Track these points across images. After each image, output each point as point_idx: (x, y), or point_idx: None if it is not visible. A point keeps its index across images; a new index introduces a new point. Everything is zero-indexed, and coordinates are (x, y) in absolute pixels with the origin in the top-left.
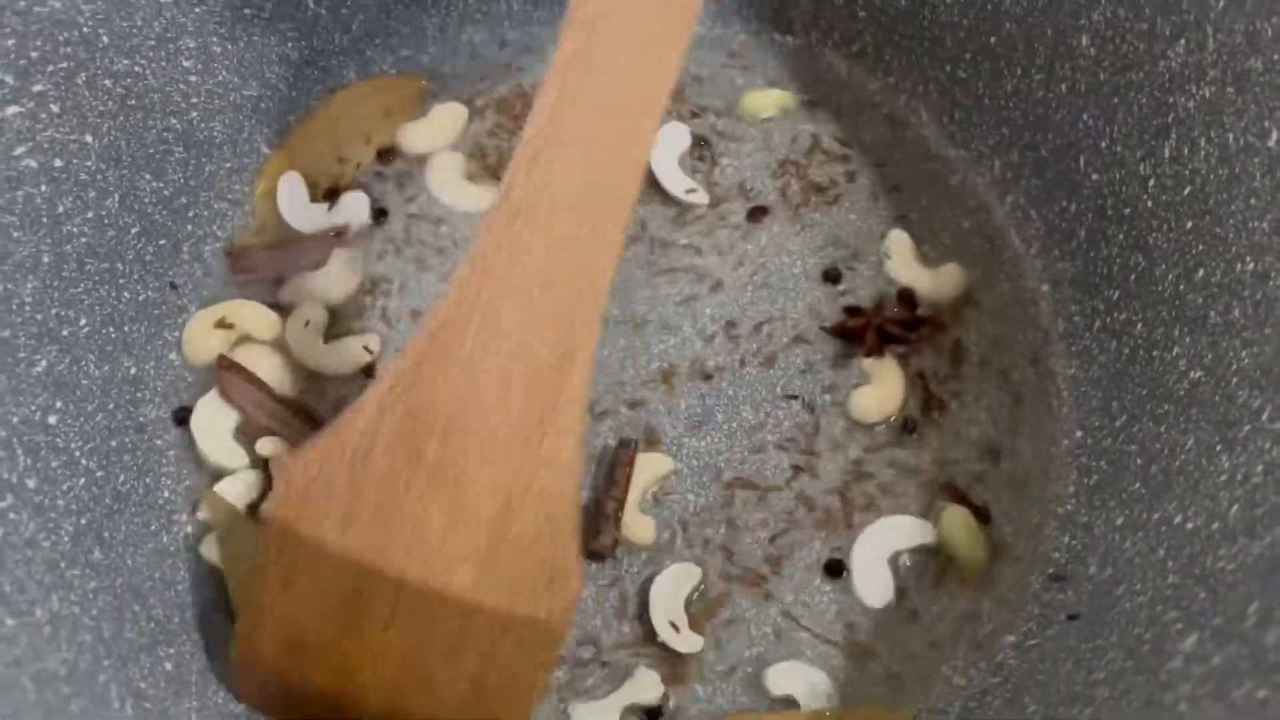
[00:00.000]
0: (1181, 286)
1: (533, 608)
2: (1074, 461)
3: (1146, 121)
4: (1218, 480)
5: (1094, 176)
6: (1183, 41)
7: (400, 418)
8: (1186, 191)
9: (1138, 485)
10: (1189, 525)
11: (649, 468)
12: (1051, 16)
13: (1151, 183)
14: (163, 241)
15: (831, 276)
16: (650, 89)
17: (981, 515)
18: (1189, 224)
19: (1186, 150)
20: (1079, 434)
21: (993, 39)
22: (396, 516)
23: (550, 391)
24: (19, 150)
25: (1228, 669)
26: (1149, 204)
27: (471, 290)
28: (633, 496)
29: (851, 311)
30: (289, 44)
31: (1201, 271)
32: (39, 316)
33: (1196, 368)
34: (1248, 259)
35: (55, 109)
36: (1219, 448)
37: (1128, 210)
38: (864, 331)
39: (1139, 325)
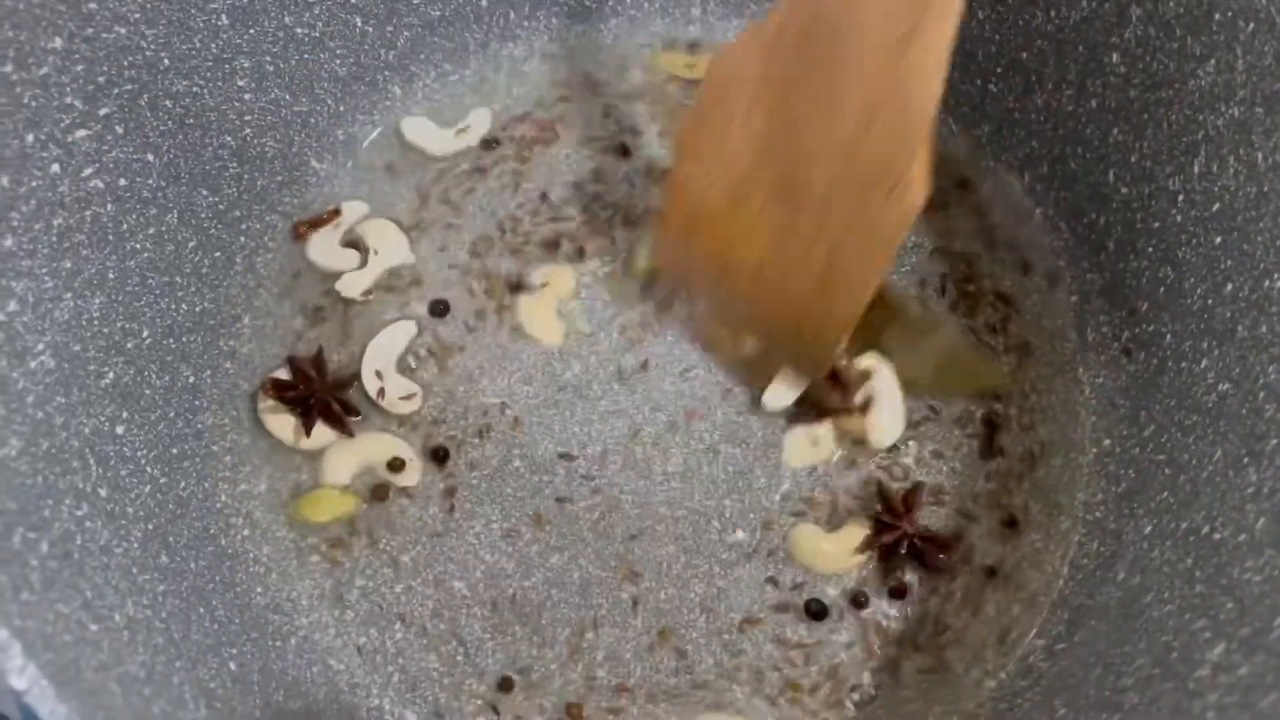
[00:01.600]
0: (1210, 300)
1: (878, 211)
2: (1102, 469)
3: (1176, 138)
4: (1245, 493)
5: (1123, 190)
6: (1212, 62)
7: (804, 21)
8: (1215, 208)
9: (1166, 495)
10: (1216, 536)
11: None
12: (1083, 34)
13: (1181, 198)
14: (218, 254)
15: None
16: None
17: None
18: (1218, 239)
19: (1215, 167)
20: (1107, 442)
21: (1024, 54)
22: (783, 114)
23: (917, 8)
24: (87, 171)
25: (1255, 680)
26: (1178, 218)
27: None
28: None
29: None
30: (337, 61)
31: (1230, 286)
32: (106, 330)
33: (1224, 381)
34: (1275, 275)
35: (120, 130)
36: (1246, 460)
37: (1157, 224)
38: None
39: (1167, 337)
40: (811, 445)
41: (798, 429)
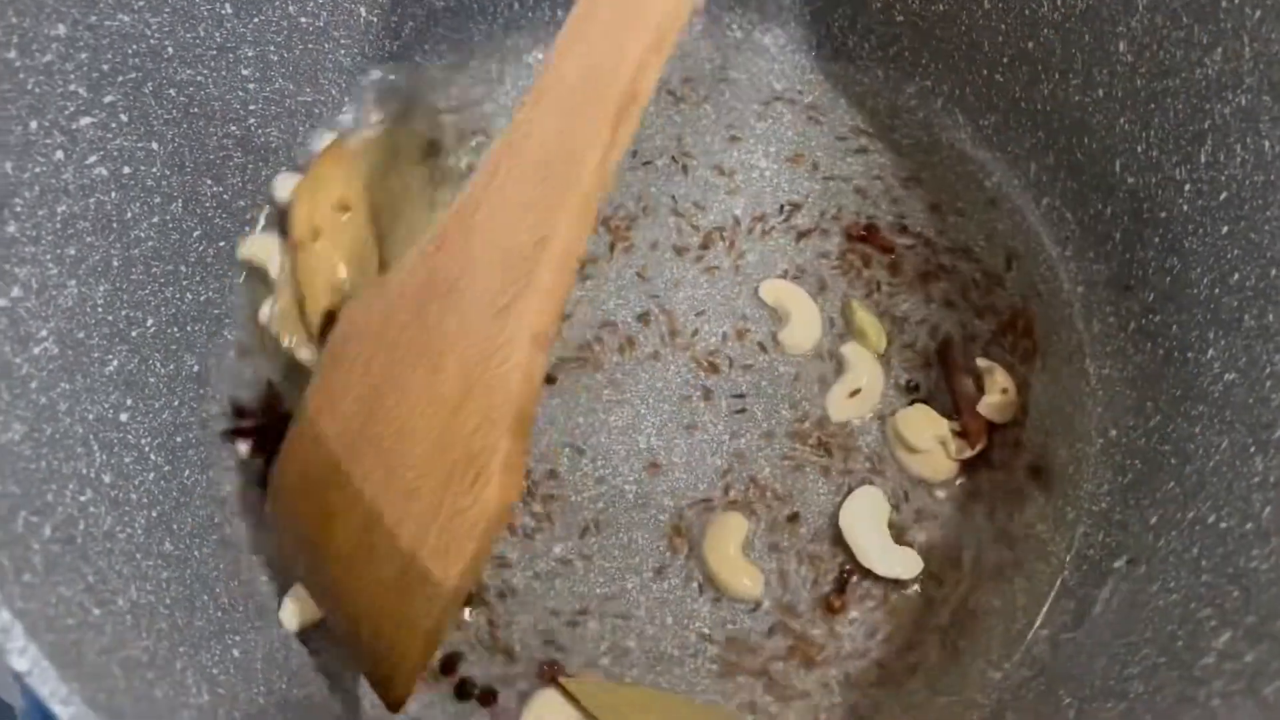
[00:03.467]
0: (1216, 290)
1: (458, 502)
2: (1108, 460)
3: (1183, 127)
4: (1251, 482)
5: (1130, 180)
6: (1220, 50)
7: (421, 278)
8: (1223, 197)
9: (1171, 485)
10: (1222, 525)
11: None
12: (1089, 22)
13: (1187, 187)
14: (222, 243)
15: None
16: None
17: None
18: (1225, 229)
19: (1223, 156)
20: (1113, 433)
21: (1030, 44)
22: (393, 377)
23: (522, 276)
24: (91, 159)
25: (1260, 667)
26: (1185, 208)
27: (493, 164)
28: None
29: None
30: (342, 51)
31: (1237, 276)
32: (110, 318)
33: (1231, 370)
34: None
35: (124, 118)
36: (1253, 449)
37: (1163, 214)
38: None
39: (1174, 327)
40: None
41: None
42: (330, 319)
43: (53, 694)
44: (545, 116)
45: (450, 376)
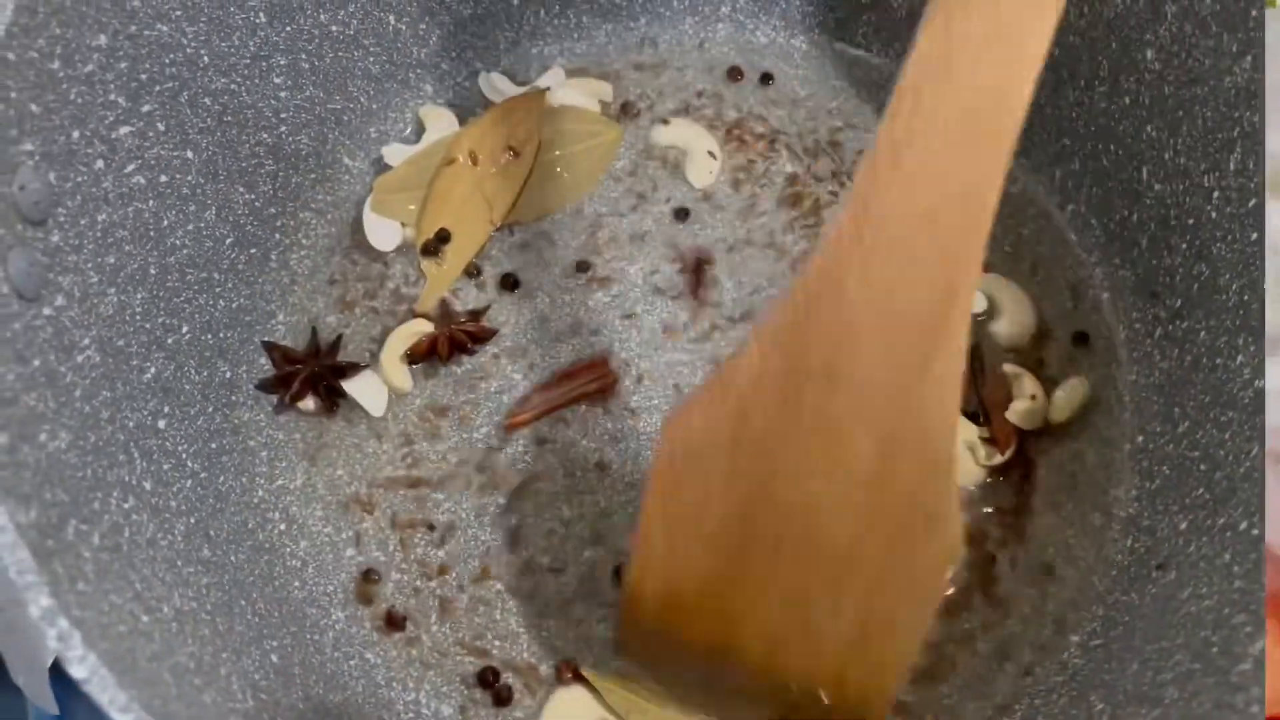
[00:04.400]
0: (1246, 296)
1: (911, 556)
2: (1135, 466)
3: (1211, 135)
4: None
5: (1156, 187)
6: (1250, 58)
7: (780, 366)
8: (1252, 204)
9: (1201, 491)
10: (1254, 531)
11: None
12: (1116, 30)
13: (1215, 194)
14: (254, 251)
15: None
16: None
17: None
18: (1254, 235)
19: (1252, 164)
20: (1140, 439)
21: (1056, 50)
22: (776, 473)
23: (929, 333)
24: (130, 168)
25: None
26: (1213, 215)
27: (853, 229)
28: None
29: None
30: (371, 59)
31: (1267, 281)
32: (147, 325)
33: (1261, 377)
34: None
35: (161, 127)
36: None
37: (1190, 220)
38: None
39: (1202, 333)
40: None
41: None
42: (437, 239)
43: (112, 701)
44: (924, 162)
45: (862, 448)
